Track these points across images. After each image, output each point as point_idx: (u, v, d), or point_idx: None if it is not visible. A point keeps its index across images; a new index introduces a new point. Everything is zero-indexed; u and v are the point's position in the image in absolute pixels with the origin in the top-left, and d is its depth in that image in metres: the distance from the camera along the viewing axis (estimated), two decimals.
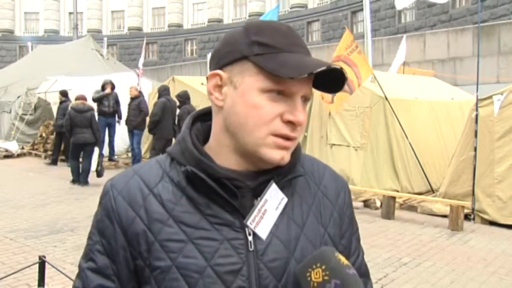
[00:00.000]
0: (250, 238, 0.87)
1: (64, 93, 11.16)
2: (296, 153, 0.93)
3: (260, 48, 0.86)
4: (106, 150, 11.20)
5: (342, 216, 1.00)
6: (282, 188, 0.91)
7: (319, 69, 0.82)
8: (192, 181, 0.88)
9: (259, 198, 0.89)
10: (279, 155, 0.87)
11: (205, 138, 0.96)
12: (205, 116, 0.99)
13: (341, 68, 0.86)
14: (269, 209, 0.89)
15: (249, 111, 0.86)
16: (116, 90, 11.04)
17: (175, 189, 0.89)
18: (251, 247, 0.87)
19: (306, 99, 0.89)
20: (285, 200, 0.91)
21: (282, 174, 0.91)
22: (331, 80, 0.89)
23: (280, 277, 0.88)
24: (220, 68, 0.89)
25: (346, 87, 6.98)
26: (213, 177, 0.87)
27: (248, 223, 0.87)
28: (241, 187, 0.88)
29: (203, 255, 0.85)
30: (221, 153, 0.91)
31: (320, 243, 0.93)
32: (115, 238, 0.89)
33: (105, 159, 11.11)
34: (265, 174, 0.91)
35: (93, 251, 0.91)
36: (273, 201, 0.90)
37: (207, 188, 0.87)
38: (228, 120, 0.88)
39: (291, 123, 0.86)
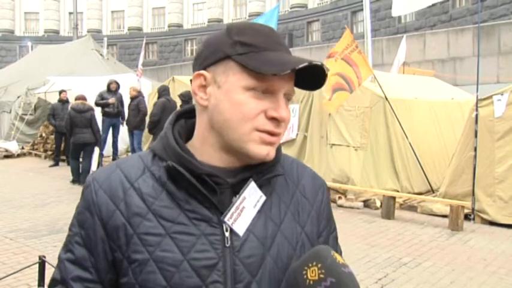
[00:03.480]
0: (227, 234, 0.89)
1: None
2: (277, 154, 0.95)
3: (243, 48, 0.88)
4: (109, 151, 11.20)
5: (320, 216, 1.03)
6: (260, 187, 0.93)
7: (301, 66, 0.85)
8: (173, 176, 0.90)
9: (237, 195, 0.91)
10: (265, 150, 0.90)
11: (189, 135, 0.98)
12: (190, 113, 1.00)
13: (322, 64, 0.88)
14: (247, 207, 0.91)
15: (233, 109, 0.88)
16: (120, 91, 11.02)
17: (155, 184, 0.91)
18: (227, 243, 0.89)
19: (288, 97, 0.92)
20: (263, 198, 0.93)
21: (261, 173, 0.94)
22: (313, 78, 0.92)
23: (256, 273, 0.90)
24: (204, 69, 0.91)
25: (346, 85, 7.01)
26: (193, 173, 0.89)
27: (225, 219, 0.89)
28: (220, 184, 0.90)
29: (180, 250, 0.87)
30: (205, 150, 0.93)
31: (297, 242, 0.96)
32: (94, 230, 0.90)
33: (109, 158, 11.14)
34: (245, 172, 0.93)
35: (72, 242, 0.93)
36: (251, 199, 0.92)
37: (187, 183, 0.89)
38: (213, 118, 0.90)
39: (275, 120, 0.89)
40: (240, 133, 0.88)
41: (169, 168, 0.89)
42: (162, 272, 0.86)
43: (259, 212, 0.92)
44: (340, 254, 1.07)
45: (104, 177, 0.93)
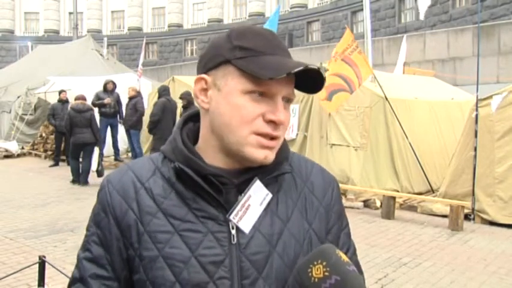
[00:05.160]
0: (233, 232, 0.92)
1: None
2: (284, 152, 0.98)
3: (241, 52, 0.91)
4: (110, 151, 11.21)
5: (329, 212, 1.03)
6: (267, 185, 0.95)
7: (296, 70, 0.86)
8: (181, 177, 0.94)
9: (242, 194, 0.94)
10: (262, 154, 0.92)
11: (197, 137, 1.01)
12: (198, 116, 1.03)
13: (318, 68, 0.90)
14: (253, 205, 0.94)
15: (232, 112, 0.90)
16: (116, 90, 11.02)
17: (165, 184, 0.95)
18: (234, 240, 0.91)
19: (288, 99, 0.94)
20: (270, 196, 0.95)
21: (266, 172, 0.95)
22: (312, 81, 0.93)
23: (262, 269, 0.92)
24: (206, 72, 0.95)
25: (346, 86, 7.01)
26: (199, 173, 0.92)
27: (231, 217, 0.92)
28: (226, 183, 0.93)
29: (188, 246, 0.90)
30: (208, 152, 0.96)
31: (304, 239, 0.97)
32: (109, 229, 0.95)
33: (111, 159, 11.14)
34: (249, 172, 0.95)
35: (89, 242, 0.98)
36: (256, 197, 0.94)
37: (194, 183, 0.92)
38: (214, 121, 0.94)
39: (273, 123, 0.91)
40: (238, 136, 0.90)
41: (177, 169, 0.93)
42: (171, 268, 0.90)
43: (265, 209, 0.94)
44: (354, 250, 1.08)
45: (117, 179, 0.98)
